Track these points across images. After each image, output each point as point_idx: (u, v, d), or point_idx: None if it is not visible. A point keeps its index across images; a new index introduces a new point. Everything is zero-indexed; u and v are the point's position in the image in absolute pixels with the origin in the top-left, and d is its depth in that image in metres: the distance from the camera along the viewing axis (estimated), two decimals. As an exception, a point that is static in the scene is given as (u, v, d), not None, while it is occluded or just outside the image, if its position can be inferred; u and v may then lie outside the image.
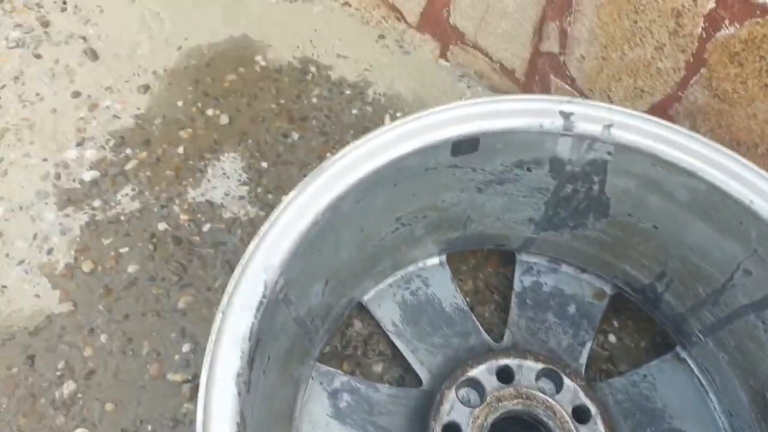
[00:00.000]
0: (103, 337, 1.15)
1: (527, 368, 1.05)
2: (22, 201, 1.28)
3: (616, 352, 1.20)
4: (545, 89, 1.42)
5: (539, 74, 1.40)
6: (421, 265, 1.23)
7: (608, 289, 1.21)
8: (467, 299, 1.25)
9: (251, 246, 0.81)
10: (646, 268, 1.10)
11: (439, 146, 0.94)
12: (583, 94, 1.35)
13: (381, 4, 1.53)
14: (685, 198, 0.94)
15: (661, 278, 1.09)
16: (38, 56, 1.47)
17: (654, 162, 0.94)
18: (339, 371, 1.10)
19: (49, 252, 1.23)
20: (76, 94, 1.42)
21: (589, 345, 1.15)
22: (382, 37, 1.58)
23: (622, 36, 1.19)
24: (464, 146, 0.97)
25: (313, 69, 1.51)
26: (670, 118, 1.24)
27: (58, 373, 1.12)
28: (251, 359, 0.77)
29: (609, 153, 0.97)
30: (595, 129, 0.95)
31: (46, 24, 1.52)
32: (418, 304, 1.20)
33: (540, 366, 1.05)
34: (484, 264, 1.29)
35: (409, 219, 1.07)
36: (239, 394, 0.73)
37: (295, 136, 1.41)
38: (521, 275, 1.24)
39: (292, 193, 0.85)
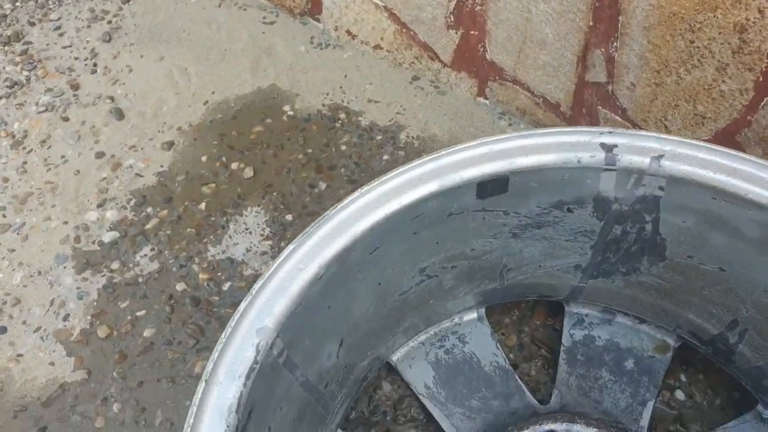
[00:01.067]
0: (115, 407, 1.07)
1: (579, 437, 0.91)
2: (41, 266, 1.24)
3: (686, 411, 1.03)
4: (594, 122, 1.30)
5: (586, 106, 1.29)
6: (456, 320, 1.10)
7: (672, 341, 1.06)
8: (510, 356, 1.12)
9: (242, 305, 0.72)
10: (714, 316, 0.94)
11: (462, 188, 0.84)
12: (636, 125, 1.22)
13: (413, 45, 1.46)
14: (755, 234, 0.80)
15: (732, 327, 0.93)
16: (66, 119, 1.47)
17: (715, 195, 0.80)
18: (365, 443, 0.98)
19: (66, 318, 1.18)
20: (100, 155, 1.40)
21: (651, 404, 0.99)
22: (416, 78, 1.51)
23: (676, 58, 1.07)
24: (491, 187, 0.86)
25: (342, 116, 1.45)
26: (738, 146, 1.09)
27: (68, 448, 1.05)
28: (241, 435, 0.67)
29: (661, 188, 0.84)
30: (642, 161, 0.82)
31: (75, 87, 1.53)
32: (453, 363, 1.07)
33: (593, 431, 0.91)
34: (530, 316, 1.16)
35: (435, 270, 0.95)
36: (223, 479, 0.63)
37: (323, 186, 1.33)
38: (571, 328, 1.10)
39: (290, 246, 0.76)
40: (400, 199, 0.81)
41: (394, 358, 1.06)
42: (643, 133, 0.83)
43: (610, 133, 0.84)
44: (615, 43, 1.14)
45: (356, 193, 0.80)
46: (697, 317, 0.97)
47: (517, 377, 1.04)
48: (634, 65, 1.14)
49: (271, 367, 0.73)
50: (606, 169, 0.84)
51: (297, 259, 0.75)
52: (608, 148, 0.83)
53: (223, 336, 0.69)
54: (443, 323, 1.09)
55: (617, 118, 1.25)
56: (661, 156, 0.82)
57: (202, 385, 0.66)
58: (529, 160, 0.83)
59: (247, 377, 0.68)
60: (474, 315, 1.10)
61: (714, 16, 0.97)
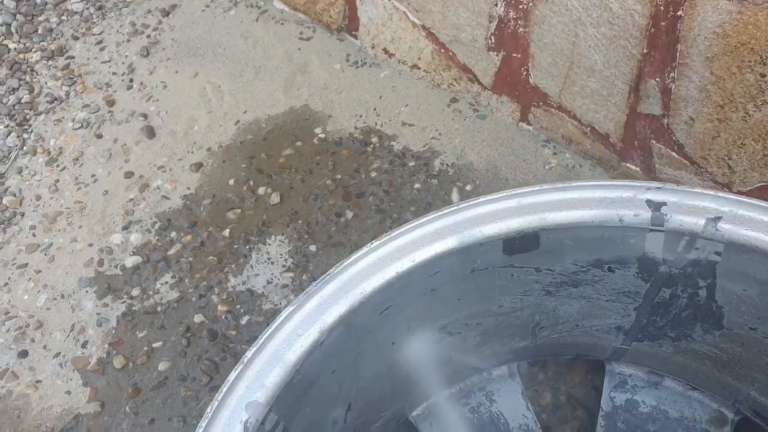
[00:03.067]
0: (124, 446, 1.04)
1: None
2: (64, 289, 1.22)
3: (745, 497, 0.91)
4: (647, 157, 1.18)
5: (639, 139, 1.17)
6: (485, 375, 1.01)
7: (730, 413, 0.94)
8: (542, 416, 1.02)
9: (231, 376, 0.65)
10: (780, 398, 0.82)
11: (486, 244, 0.75)
12: (694, 164, 1.10)
13: (451, 65, 1.37)
14: (830, 316, 0.68)
15: (802, 414, 0.81)
16: (99, 136, 1.45)
17: (783, 265, 0.69)
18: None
19: (84, 345, 1.15)
20: (129, 175, 1.37)
21: (704, 489, 0.88)
22: (454, 100, 1.42)
23: (744, 93, 0.95)
24: (520, 244, 0.77)
25: (374, 140, 1.37)
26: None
27: (76, 485, 1.02)
28: None
29: (717, 253, 0.73)
30: (695, 223, 0.72)
31: (111, 103, 1.51)
32: (479, 423, 0.98)
33: None
34: (567, 372, 1.05)
35: (457, 327, 0.87)
36: None
37: (350, 214, 1.26)
38: (612, 390, 0.99)
39: (288, 308, 0.69)
40: (413, 256, 0.73)
41: (414, 413, 0.98)
42: (697, 190, 0.72)
43: (658, 188, 0.74)
44: (672, 74, 1.02)
45: (364, 249, 0.73)
46: (760, 394, 0.85)
47: (547, 445, 0.94)
48: (693, 98, 1.02)
49: (263, 443, 0.66)
50: (653, 230, 0.74)
51: (295, 324, 0.69)
52: (655, 206, 0.73)
53: (208, 411, 0.63)
54: (469, 378, 1.01)
55: (673, 154, 1.13)
56: (719, 218, 0.71)
57: (179, 468, 0.61)
58: (562, 216, 0.74)
59: (232, 459, 0.62)
60: (504, 370, 1.01)
61: (791, 48, 0.85)
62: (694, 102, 1.02)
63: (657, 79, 1.05)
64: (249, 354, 0.66)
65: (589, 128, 1.23)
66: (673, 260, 0.76)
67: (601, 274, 0.81)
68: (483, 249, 0.76)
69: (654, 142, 1.14)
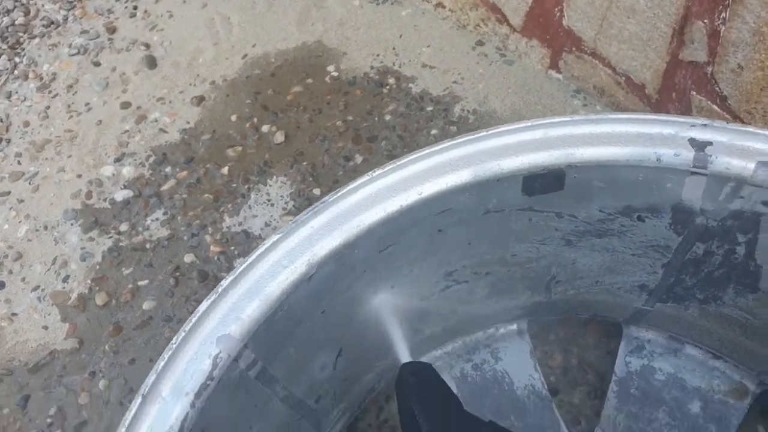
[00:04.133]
0: (102, 384, 0.98)
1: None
2: (48, 220, 1.15)
3: (763, 476, 0.84)
4: (684, 110, 1.08)
5: (677, 91, 1.07)
6: (491, 330, 0.94)
7: (752, 385, 0.86)
8: (551, 378, 0.95)
9: (203, 305, 0.58)
10: (817, 372, 0.74)
11: (503, 182, 0.66)
12: (737, 118, 1.00)
13: (479, 4, 1.27)
14: None
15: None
16: (97, 64, 1.37)
17: (842, 220, 0.60)
18: (368, 463, 0.84)
19: (65, 279, 1.09)
20: (126, 105, 1.29)
21: (719, 464, 0.81)
22: (480, 43, 1.31)
23: (799, 38, 0.85)
24: (542, 183, 0.68)
25: (391, 81, 1.28)
26: None
27: (48, 420, 0.96)
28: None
29: (765, 203, 0.64)
30: (744, 167, 0.62)
31: (112, 30, 1.42)
32: (481, 382, 0.91)
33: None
34: (581, 333, 0.97)
35: (464, 275, 0.79)
36: None
37: (359, 159, 1.17)
38: (627, 355, 0.91)
39: (274, 236, 0.61)
40: (421, 188, 0.64)
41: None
42: (749, 128, 0.63)
43: (704, 125, 0.64)
44: (723, 14, 0.92)
45: (365, 177, 0.65)
46: (792, 367, 0.77)
47: (554, 408, 0.87)
48: (744, 43, 0.92)
49: (237, 382, 0.59)
50: (694, 173, 0.64)
51: (280, 255, 0.61)
52: (700, 146, 0.64)
53: (173, 342, 0.56)
54: (475, 333, 0.93)
55: (714, 107, 1.02)
56: (772, 162, 0.62)
57: (137, 401, 0.53)
58: (592, 152, 0.65)
59: (198, 395, 0.54)
60: (513, 327, 0.93)
61: None
62: (745, 47, 0.92)
63: (705, 21, 0.94)
64: (225, 283, 0.59)
65: (623, 78, 1.13)
66: (712, 210, 0.67)
67: (629, 224, 0.72)
68: (500, 186, 0.67)
69: (694, 93, 1.04)
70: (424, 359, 0.91)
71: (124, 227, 1.13)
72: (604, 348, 0.97)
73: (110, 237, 1.12)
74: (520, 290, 0.85)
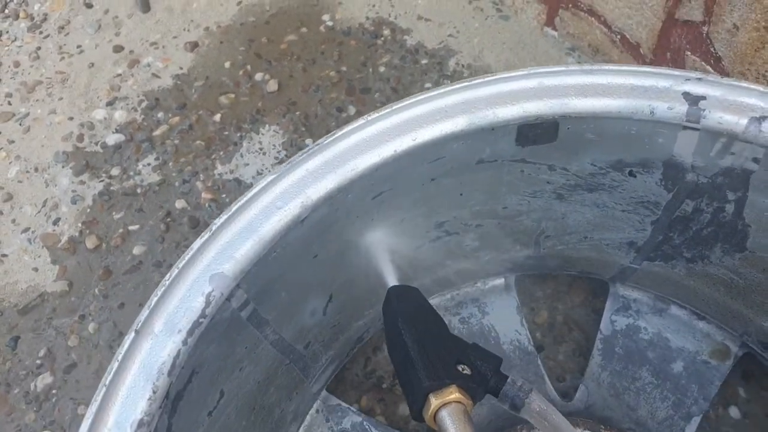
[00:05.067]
0: (91, 327, 0.98)
1: (600, 449, 0.76)
2: (38, 162, 1.14)
3: (739, 434, 0.86)
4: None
5: (672, 51, 1.06)
6: (479, 285, 0.95)
7: (735, 347, 0.87)
8: (537, 334, 0.96)
9: (196, 243, 0.58)
10: (797, 331, 0.76)
11: (498, 131, 0.66)
12: (729, 81, 1.00)
13: (477, -40, 1.25)
14: None
15: (820, 349, 0.74)
16: (89, 5, 1.34)
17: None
18: (352, 407, 0.86)
19: (56, 222, 1.08)
20: (119, 49, 1.27)
21: (697, 420, 0.83)
22: (476, -1, 1.30)
23: (797, -1, 0.84)
24: (536, 133, 0.68)
25: (386, 32, 1.26)
26: None
27: (38, 362, 0.97)
28: (173, 399, 0.54)
29: (755, 159, 0.64)
30: (736, 122, 0.63)
31: (104, -30, 1.39)
32: (468, 335, 0.92)
33: (620, 445, 0.76)
34: (567, 291, 0.99)
35: (455, 226, 0.79)
36: (138, 453, 0.51)
37: (352, 110, 1.17)
38: (613, 314, 0.93)
39: (269, 176, 0.61)
40: (415, 134, 0.64)
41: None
42: (743, 83, 0.63)
43: (699, 79, 0.64)
44: (724, -28, 0.91)
45: (361, 120, 0.64)
46: (773, 326, 0.79)
47: (540, 363, 0.88)
48: (741, 2, 0.91)
49: (229, 322, 0.60)
50: (686, 127, 0.65)
51: (275, 195, 0.61)
52: (693, 100, 0.64)
53: (166, 278, 0.56)
54: (463, 287, 0.94)
55: (708, 68, 1.02)
56: (765, 117, 0.62)
57: (130, 336, 0.54)
58: (587, 103, 0.65)
59: (190, 333, 0.55)
60: (500, 282, 0.94)
61: None
62: (742, 6, 0.91)
63: (705, -21, 0.94)
64: (219, 222, 0.59)
65: (619, 36, 1.13)
66: (703, 167, 0.68)
67: (620, 179, 0.73)
68: (494, 135, 0.67)
69: (689, 53, 1.03)
70: (412, 309, 0.92)
71: (115, 171, 1.12)
72: (590, 306, 0.98)
73: (101, 181, 1.11)
74: (510, 244, 0.86)
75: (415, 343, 0.55)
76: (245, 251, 0.59)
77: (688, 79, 0.64)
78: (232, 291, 0.58)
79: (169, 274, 0.56)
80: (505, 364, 0.89)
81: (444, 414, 0.51)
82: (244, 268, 0.58)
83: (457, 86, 0.66)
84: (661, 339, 0.90)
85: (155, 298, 0.55)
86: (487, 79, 0.66)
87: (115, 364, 0.53)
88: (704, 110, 0.63)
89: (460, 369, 0.54)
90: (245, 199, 0.60)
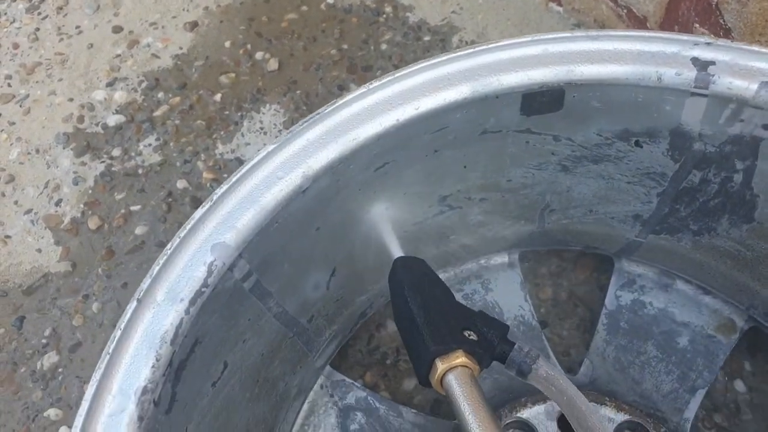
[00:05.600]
0: (95, 306, 0.98)
1: (605, 418, 0.75)
2: (40, 143, 1.14)
3: (744, 407, 0.86)
4: (684, 49, 1.06)
5: (680, 23, 1.05)
6: (482, 261, 0.94)
7: (741, 321, 0.87)
8: (541, 310, 0.96)
9: (198, 212, 0.57)
10: (805, 302, 0.75)
11: (502, 98, 0.65)
12: (736, 54, 0.98)
13: (480, -65, 1.23)
14: None
15: (828, 321, 0.74)
16: (87, -15, 1.33)
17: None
18: (357, 383, 0.86)
19: (58, 203, 1.08)
20: (118, 29, 1.26)
21: (702, 393, 0.82)
22: (480, -25, 1.28)
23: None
24: (541, 101, 0.67)
25: (388, 9, 1.25)
26: None
27: (44, 341, 0.97)
28: (176, 368, 0.54)
29: (765, 126, 0.63)
30: (746, 87, 0.61)
31: (102, -50, 1.38)
32: (472, 312, 0.92)
33: (623, 417, 0.75)
34: (572, 267, 0.98)
35: (459, 200, 0.79)
36: (141, 418, 0.50)
37: (353, 88, 1.15)
38: (618, 289, 0.92)
39: (270, 146, 0.60)
40: (418, 103, 0.63)
41: (404, 294, 0.91)
42: (754, 47, 0.62)
43: (707, 44, 0.63)
44: (733, -59, 0.89)
45: (362, 88, 0.63)
46: (780, 298, 0.78)
47: (544, 338, 0.88)
48: (752, -28, 0.89)
49: (231, 293, 0.59)
50: (694, 94, 0.63)
51: (276, 165, 0.60)
52: (702, 65, 0.63)
53: (168, 247, 0.56)
54: (466, 263, 0.93)
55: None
56: (775, 83, 0.61)
57: (132, 305, 0.53)
58: (593, 70, 0.64)
59: (192, 302, 0.55)
60: (504, 259, 0.94)
61: None
62: (752, -24, 0.90)
63: (712, -52, 0.92)
64: (220, 191, 0.58)
65: (625, 10, 1.11)
66: (711, 135, 0.67)
67: (626, 149, 0.72)
68: (499, 104, 0.66)
69: (698, 26, 1.02)
70: (416, 286, 0.92)
71: (116, 152, 1.11)
72: (594, 283, 0.97)
73: (102, 162, 1.11)
74: (514, 218, 0.85)
75: (420, 310, 0.55)
76: (246, 221, 0.58)
77: (697, 44, 0.63)
78: (234, 261, 0.58)
79: (170, 243, 0.56)
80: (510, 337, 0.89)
81: (450, 378, 0.51)
82: (246, 237, 0.58)
83: (461, 53, 0.65)
84: (666, 314, 0.90)
85: (157, 267, 0.55)
86: (490, 46, 0.65)
87: (117, 333, 0.52)
88: (713, 75, 0.62)
89: (467, 335, 0.54)
90: (245, 168, 0.59)
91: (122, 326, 0.52)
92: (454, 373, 0.51)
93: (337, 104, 0.63)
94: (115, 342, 0.52)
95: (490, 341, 0.55)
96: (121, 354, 0.52)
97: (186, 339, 0.54)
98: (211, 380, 0.61)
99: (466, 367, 0.51)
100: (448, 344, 0.52)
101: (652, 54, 0.63)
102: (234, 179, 0.59)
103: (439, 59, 0.64)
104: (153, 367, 0.51)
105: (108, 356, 0.51)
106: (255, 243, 0.59)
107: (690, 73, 0.62)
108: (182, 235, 0.56)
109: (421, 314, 0.54)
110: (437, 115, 0.64)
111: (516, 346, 0.55)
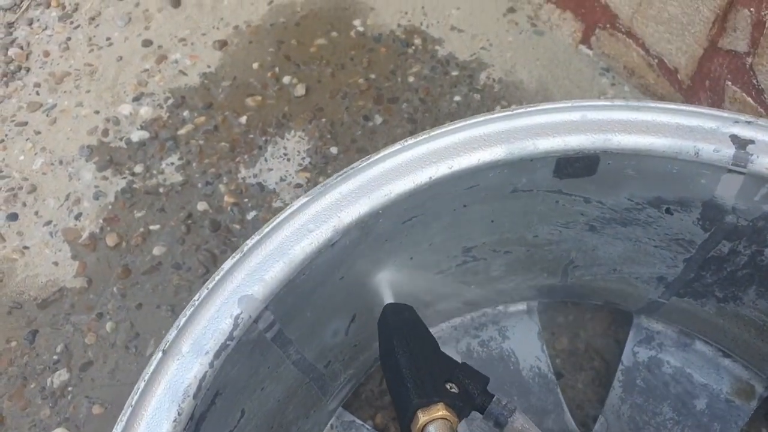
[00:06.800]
0: (109, 326, 0.98)
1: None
2: (63, 155, 1.14)
3: (760, 478, 0.85)
4: (717, 100, 1.05)
5: (711, 79, 1.04)
6: (501, 308, 0.94)
7: (760, 388, 0.86)
8: (557, 360, 0.95)
9: (227, 264, 0.57)
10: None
11: (536, 162, 0.65)
12: (769, 113, 0.98)
13: (514, -28, 1.23)
14: None
15: None
16: (120, -3, 1.33)
17: None
18: (367, 424, 0.85)
19: (78, 217, 1.08)
20: (147, 43, 1.26)
21: (718, 461, 0.81)
22: (511, 10, 1.28)
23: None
24: (575, 166, 0.66)
25: (417, 41, 1.24)
26: None
27: (55, 357, 0.97)
28: (197, 421, 0.54)
29: (801, 207, 0.63)
30: (785, 168, 0.61)
31: (136, -38, 1.38)
32: (487, 359, 0.91)
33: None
34: (590, 319, 0.97)
35: (483, 252, 0.78)
36: (161, 482, 0.50)
37: (378, 119, 1.15)
38: (636, 345, 0.91)
39: (302, 199, 0.60)
40: (451, 163, 0.63)
41: (419, 337, 0.90)
42: (796, 131, 0.61)
43: (748, 123, 0.62)
44: (773, 4, 0.88)
45: (396, 146, 0.63)
46: (803, 372, 0.77)
47: (559, 392, 0.87)
48: (791, 36, 0.89)
49: (255, 344, 0.59)
50: (732, 171, 0.63)
51: (307, 218, 0.60)
52: (741, 144, 0.62)
53: (196, 298, 0.55)
54: (484, 309, 0.93)
55: (749, 99, 1.00)
56: (814, 167, 0.60)
57: (158, 356, 0.53)
58: (630, 140, 0.63)
59: (217, 355, 0.54)
60: (523, 307, 0.93)
61: None
62: (790, 41, 0.89)
63: (751, 9, 0.91)
64: (250, 243, 0.58)
65: (656, 60, 1.10)
66: (744, 210, 0.66)
67: (656, 215, 0.71)
68: (532, 166, 0.65)
69: (729, 83, 1.01)
70: (432, 331, 0.91)
71: (138, 169, 1.11)
72: (612, 336, 0.96)
73: (124, 177, 1.11)
74: (537, 271, 0.84)
75: (407, 361, 0.58)
76: (275, 273, 0.58)
77: (737, 122, 0.62)
78: (260, 313, 0.57)
79: (198, 293, 0.55)
80: (524, 390, 0.88)
81: (431, 429, 0.54)
82: (273, 290, 0.58)
83: (498, 115, 0.64)
84: (683, 374, 0.89)
85: (183, 318, 0.54)
86: (528, 109, 0.64)
87: (141, 384, 0.52)
88: (752, 155, 0.61)
89: (449, 387, 0.57)
90: (278, 220, 0.59)
91: (146, 378, 0.52)
92: (434, 425, 0.54)
93: (371, 159, 0.62)
94: (138, 394, 0.52)
95: (470, 393, 0.58)
96: (143, 407, 0.51)
97: (208, 391, 0.54)
98: (228, 429, 0.61)
99: (446, 419, 0.54)
100: (430, 397, 0.55)
101: (691, 128, 0.63)
102: (266, 230, 0.58)
103: (475, 119, 0.64)
104: (175, 421, 0.51)
105: (131, 408, 0.51)
106: (281, 295, 0.59)
107: (728, 151, 0.62)
108: (210, 286, 0.56)
109: (407, 365, 0.57)
110: (471, 174, 0.64)
111: (495, 398, 0.59)
